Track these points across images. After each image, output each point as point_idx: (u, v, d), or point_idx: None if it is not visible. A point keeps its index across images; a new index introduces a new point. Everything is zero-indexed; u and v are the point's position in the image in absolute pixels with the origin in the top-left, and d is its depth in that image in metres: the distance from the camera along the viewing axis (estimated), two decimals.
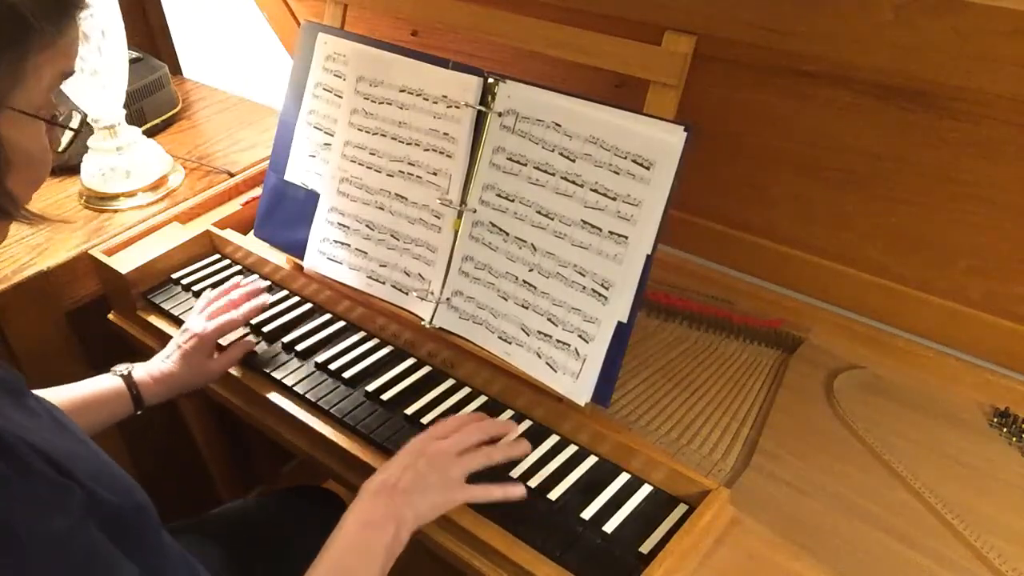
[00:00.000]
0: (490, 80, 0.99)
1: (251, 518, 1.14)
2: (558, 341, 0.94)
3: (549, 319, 0.95)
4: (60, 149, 0.74)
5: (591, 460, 0.94)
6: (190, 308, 1.21)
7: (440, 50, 1.23)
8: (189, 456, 1.47)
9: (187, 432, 1.45)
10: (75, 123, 0.76)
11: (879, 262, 1.02)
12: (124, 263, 1.24)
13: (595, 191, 0.92)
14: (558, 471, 0.93)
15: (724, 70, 0.95)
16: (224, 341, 1.12)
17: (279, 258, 1.24)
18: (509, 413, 1.01)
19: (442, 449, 0.85)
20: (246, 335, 1.15)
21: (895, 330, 1.07)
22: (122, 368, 1.06)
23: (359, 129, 1.11)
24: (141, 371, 1.07)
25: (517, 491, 0.85)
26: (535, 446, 0.96)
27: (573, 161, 0.93)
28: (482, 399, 1.03)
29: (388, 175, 1.09)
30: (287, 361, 1.11)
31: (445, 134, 1.03)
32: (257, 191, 1.38)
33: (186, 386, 1.08)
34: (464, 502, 0.85)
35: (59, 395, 0.99)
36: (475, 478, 0.85)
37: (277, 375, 1.08)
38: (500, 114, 0.98)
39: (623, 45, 0.93)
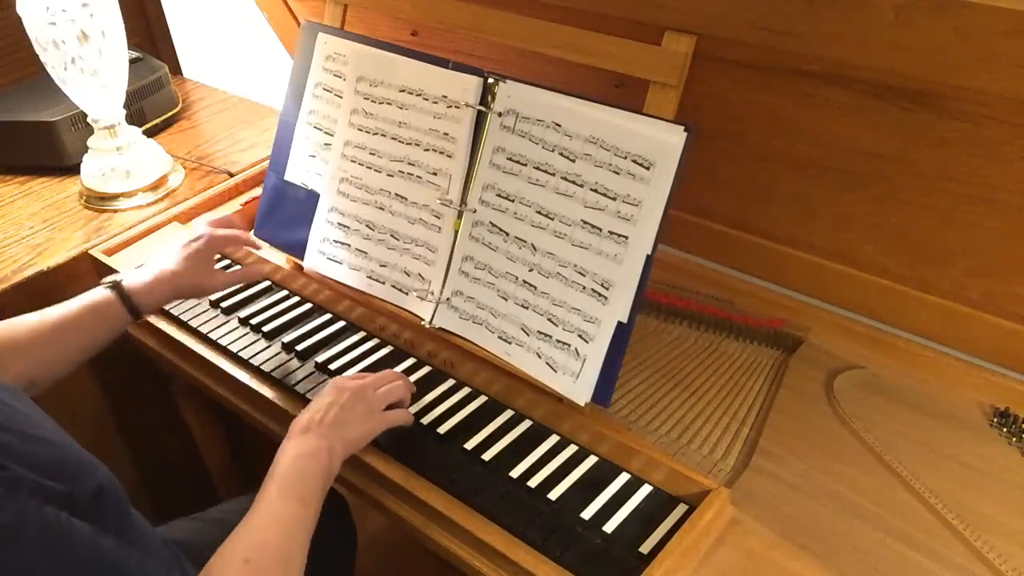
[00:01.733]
0: (490, 80, 0.99)
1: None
2: (558, 341, 0.94)
3: (549, 319, 0.95)
4: None
5: (591, 460, 0.94)
6: (190, 308, 1.21)
7: (440, 50, 1.23)
8: (189, 456, 1.47)
9: (187, 432, 1.45)
10: None
11: (879, 262, 1.02)
12: (124, 263, 1.24)
13: (595, 191, 0.92)
14: (558, 471, 0.93)
15: (724, 70, 0.95)
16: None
17: (279, 258, 1.24)
18: (509, 413, 1.01)
19: (362, 384, 0.96)
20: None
21: (895, 330, 1.07)
22: (109, 279, 1.04)
23: (359, 129, 1.11)
24: (133, 277, 1.04)
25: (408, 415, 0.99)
26: (535, 446, 0.96)
27: (573, 161, 0.93)
28: (482, 399, 1.03)
29: (388, 175, 1.09)
30: (287, 361, 1.11)
31: (445, 134, 1.03)
32: (257, 191, 1.39)
33: (185, 289, 1.07)
34: (386, 427, 0.95)
35: (43, 317, 0.97)
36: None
37: (277, 375, 1.08)
38: (500, 114, 0.98)
39: (623, 45, 0.93)
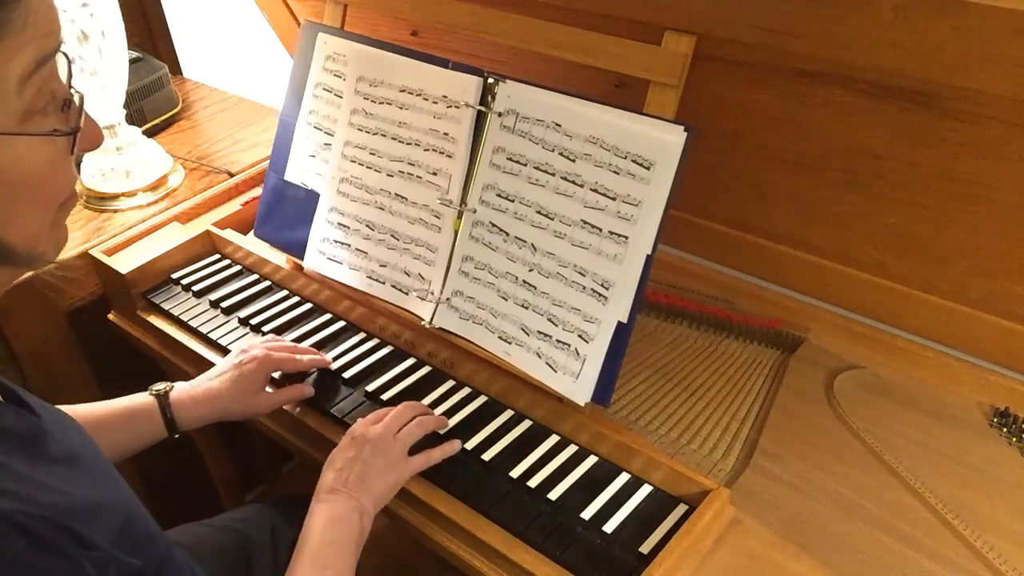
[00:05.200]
0: (490, 80, 0.99)
1: (252, 526, 1.13)
2: (558, 341, 0.94)
3: (549, 319, 0.95)
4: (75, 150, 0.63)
5: (591, 460, 0.94)
6: (190, 308, 1.22)
7: (440, 50, 1.23)
8: (189, 456, 1.47)
9: (189, 436, 1.44)
10: (72, 122, 0.62)
11: (879, 262, 1.02)
12: (124, 263, 1.24)
13: (595, 191, 0.92)
14: (558, 471, 0.93)
15: (724, 70, 0.95)
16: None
17: (279, 258, 1.24)
18: (509, 413, 1.01)
19: (381, 432, 0.91)
20: (304, 380, 1.07)
21: (895, 330, 1.07)
22: (160, 386, 0.99)
23: (359, 129, 1.11)
24: (181, 390, 0.99)
25: (453, 446, 0.94)
26: (535, 446, 0.96)
27: (573, 161, 0.93)
28: (482, 399, 1.03)
29: (388, 175, 1.09)
30: None
31: (445, 134, 1.03)
32: (257, 191, 1.38)
33: (230, 412, 1.00)
34: (411, 475, 0.91)
35: (84, 411, 0.94)
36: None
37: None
38: (500, 114, 0.98)
39: (623, 45, 0.93)
